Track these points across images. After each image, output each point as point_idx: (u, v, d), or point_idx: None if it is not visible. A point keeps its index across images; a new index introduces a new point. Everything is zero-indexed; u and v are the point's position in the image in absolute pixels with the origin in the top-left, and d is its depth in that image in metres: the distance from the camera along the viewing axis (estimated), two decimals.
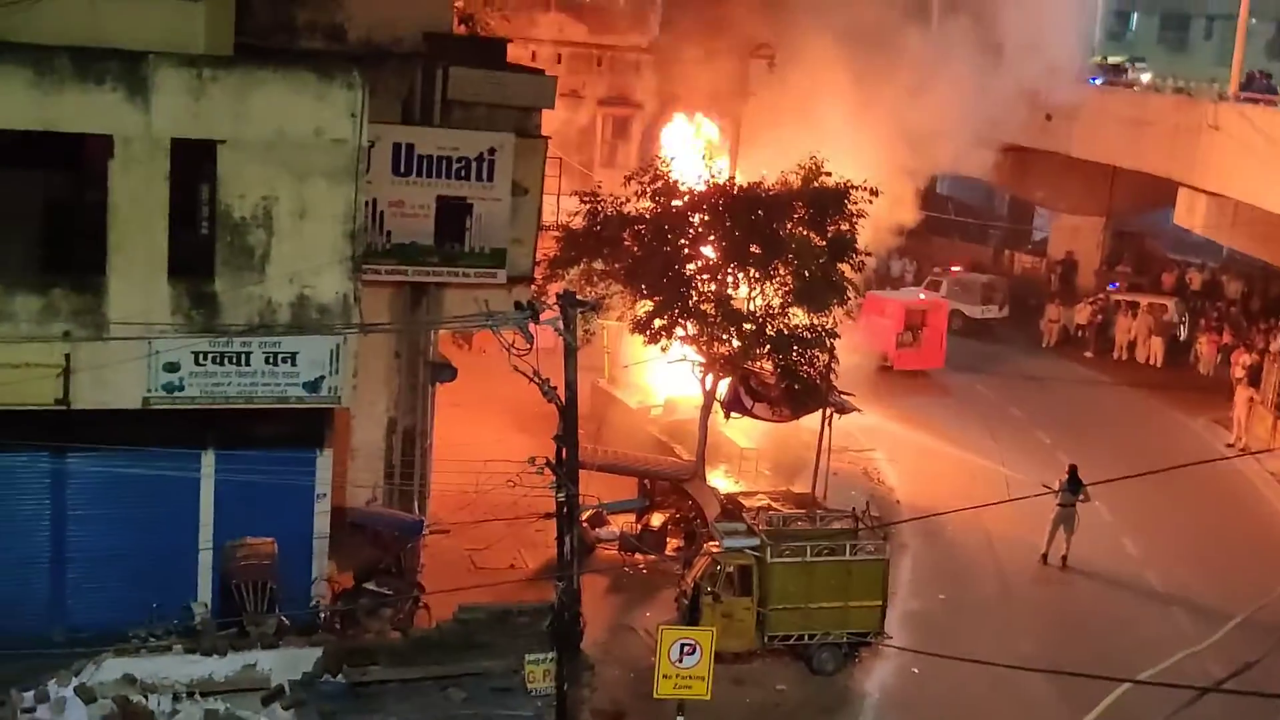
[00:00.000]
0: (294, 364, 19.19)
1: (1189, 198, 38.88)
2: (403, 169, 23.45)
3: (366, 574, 21.49)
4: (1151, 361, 43.41)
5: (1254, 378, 37.75)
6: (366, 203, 20.37)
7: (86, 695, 16.47)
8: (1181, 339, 44.36)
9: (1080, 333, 45.33)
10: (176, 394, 18.74)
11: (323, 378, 19.39)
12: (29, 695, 16.73)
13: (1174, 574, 27.20)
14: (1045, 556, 27.53)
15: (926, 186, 60.30)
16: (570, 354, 16.90)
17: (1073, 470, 27.26)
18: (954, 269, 47.51)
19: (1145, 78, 48.46)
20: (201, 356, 18.71)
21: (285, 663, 17.06)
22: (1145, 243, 55.32)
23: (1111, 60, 53.37)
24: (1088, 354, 44.19)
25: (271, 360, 19.06)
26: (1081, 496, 27.07)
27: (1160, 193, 42.83)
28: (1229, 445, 34.97)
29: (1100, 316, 45.06)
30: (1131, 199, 49.19)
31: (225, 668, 17.12)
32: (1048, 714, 21.04)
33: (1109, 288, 47.39)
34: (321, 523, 20.36)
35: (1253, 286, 48.32)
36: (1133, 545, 28.58)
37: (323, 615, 20.16)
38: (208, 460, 19.61)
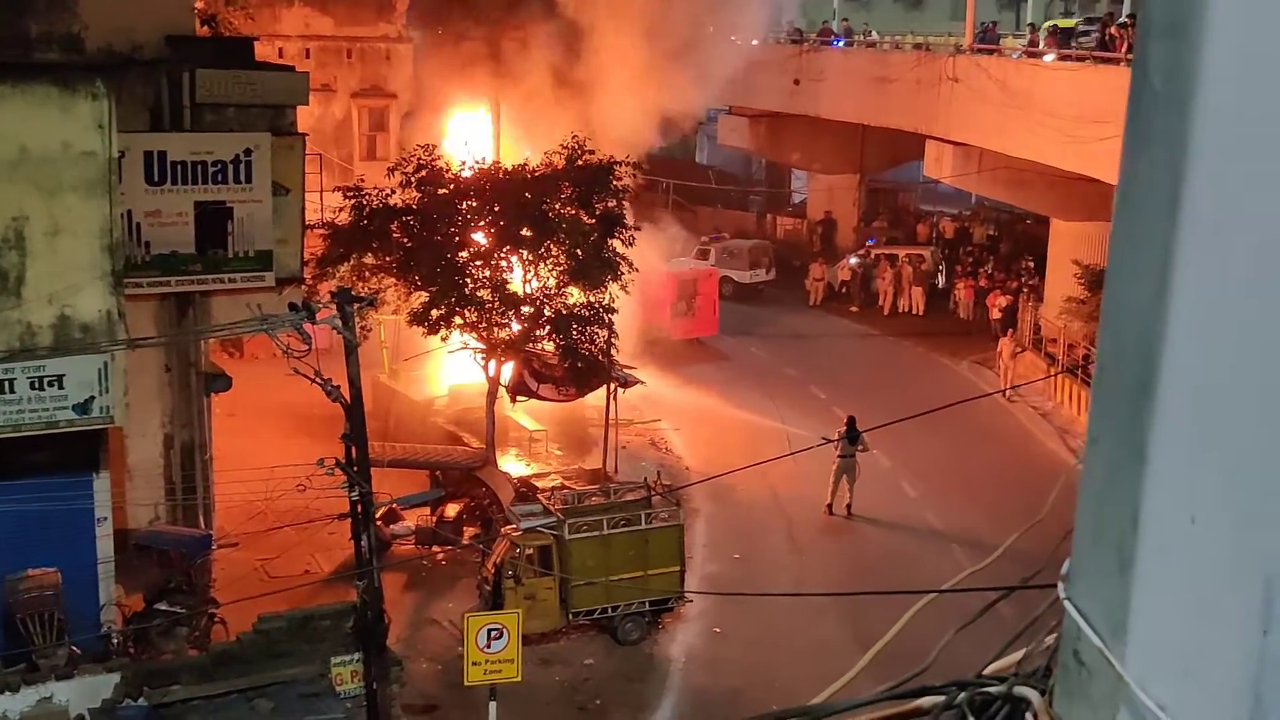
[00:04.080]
0: (61, 386, 18.59)
1: (936, 149, 40.35)
2: (156, 178, 22.87)
3: (157, 594, 21.00)
4: (914, 310, 45.01)
5: (1009, 318, 39.53)
6: (122, 215, 19.83)
7: None
8: (940, 286, 46.09)
9: (844, 288, 46.71)
10: None
11: (93, 398, 18.83)
12: None
13: (951, 512, 28.41)
14: (830, 507, 28.45)
15: (686, 157, 61.58)
16: (351, 351, 16.80)
17: (850, 421, 28.18)
18: (714, 236, 48.39)
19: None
20: None
21: (82, 692, 16.60)
22: (899, 197, 57.24)
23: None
24: (853, 308, 45.59)
25: (37, 385, 18.43)
26: (860, 446, 27.99)
27: (909, 147, 44.34)
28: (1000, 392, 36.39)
29: (861, 271, 46.48)
30: (882, 155, 50.76)
31: (20, 704, 16.58)
32: (842, 655, 21.78)
33: (868, 243, 48.90)
34: (105, 547, 19.81)
35: (1001, 230, 50.46)
36: (912, 488, 29.74)
37: (115, 640, 19.64)
38: None
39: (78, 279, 18.32)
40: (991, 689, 2.47)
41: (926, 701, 2.57)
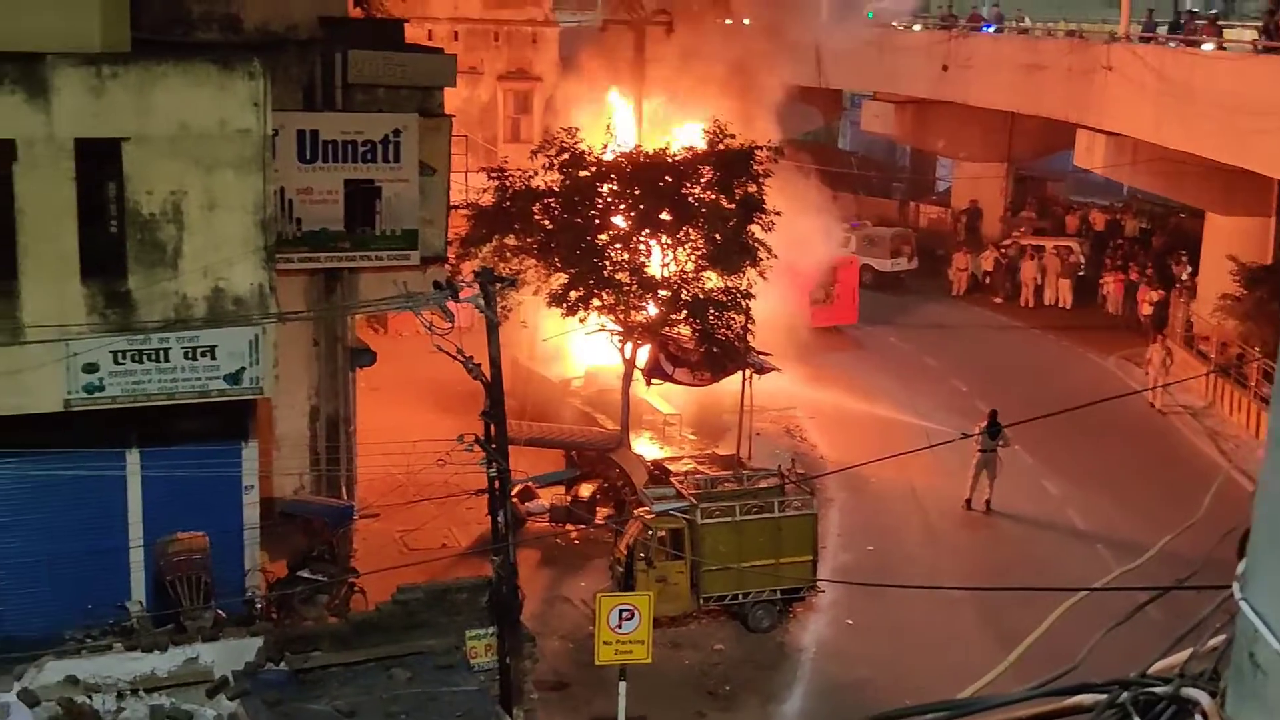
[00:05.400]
0: (214, 357, 19.06)
1: (1088, 139, 39.43)
2: (308, 156, 23.37)
3: (299, 562, 21.51)
4: (1060, 303, 44.07)
5: (1160, 314, 38.51)
6: (275, 192, 20.28)
7: (29, 699, 16.29)
8: (1085, 279, 45.08)
9: (988, 279, 45.93)
10: (97, 394, 18.55)
11: (243, 369, 19.28)
12: None
13: (1095, 511, 27.80)
14: (969, 502, 28.03)
15: (829, 142, 61.14)
16: (492, 330, 16.98)
17: (992, 416, 27.71)
18: (855, 224, 47.86)
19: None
20: (120, 355, 18.53)
21: (226, 654, 16.99)
22: (1047, 187, 56.09)
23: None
24: (997, 300, 44.79)
25: (191, 355, 18.91)
26: (1001, 441, 27.52)
27: (1059, 136, 43.45)
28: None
29: (1006, 262, 45.66)
30: (1031, 144, 49.83)
31: (167, 663, 17.01)
32: (978, 651, 21.50)
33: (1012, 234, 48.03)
34: (251, 514, 20.29)
35: (1154, 224, 49.18)
36: (1054, 486, 29.16)
37: (259, 605, 20.14)
38: (133, 458, 19.44)
39: (232, 253, 18.77)
40: (1157, 689, 2.41)
41: (1087, 699, 2.52)
